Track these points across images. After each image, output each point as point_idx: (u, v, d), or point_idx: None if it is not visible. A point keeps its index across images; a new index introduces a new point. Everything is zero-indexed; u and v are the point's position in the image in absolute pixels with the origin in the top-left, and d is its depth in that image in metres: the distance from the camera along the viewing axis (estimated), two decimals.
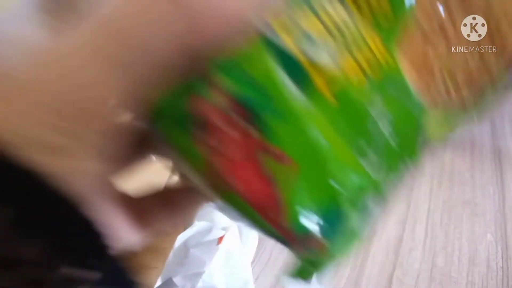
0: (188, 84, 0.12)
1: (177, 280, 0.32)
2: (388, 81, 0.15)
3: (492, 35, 0.18)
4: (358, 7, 0.14)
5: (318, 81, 0.13)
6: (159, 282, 0.30)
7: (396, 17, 0.15)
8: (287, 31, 0.12)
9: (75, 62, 0.09)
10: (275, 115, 0.13)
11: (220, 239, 0.34)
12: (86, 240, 0.09)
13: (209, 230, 0.33)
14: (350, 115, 0.14)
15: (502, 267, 0.36)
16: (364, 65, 0.14)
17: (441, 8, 0.16)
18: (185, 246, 0.33)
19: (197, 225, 0.33)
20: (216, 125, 0.12)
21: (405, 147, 0.16)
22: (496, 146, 0.50)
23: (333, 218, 0.14)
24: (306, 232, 0.13)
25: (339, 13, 0.13)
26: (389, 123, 0.15)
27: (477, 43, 0.18)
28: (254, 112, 0.13)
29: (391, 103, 0.15)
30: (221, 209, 0.16)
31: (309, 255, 0.14)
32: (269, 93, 0.12)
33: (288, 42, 0.12)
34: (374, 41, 0.14)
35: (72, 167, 0.09)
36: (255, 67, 0.12)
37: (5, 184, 0.08)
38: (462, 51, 0.17)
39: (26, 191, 0.08)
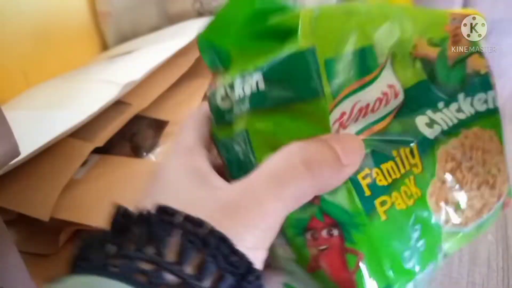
0: (308, 208, 0.21)
1: None
2: (418, 207, 0.23)
3: (487, 178, 0.28)
4: (403, 164, 0.23)
5: (379, 206, 0.22)
6: None
7: (424, 172, 0.24)
8: (361, 175, 0.21)
9: (262, 200, 0.17)
10: (355, 229, 0.21)
11: None
12: None
13: None
14: (395, 227, 0.22)
15: (503, 268, 0.36)
16: (404, 197, 0.23)
17: (451, 165, 0.26)
18: None
19: None
20: (320, 233, 0.22)
21: (430, 253, 0.24)
22: None
23: None
24: None
25: (392, 167, 0.23)
26: (419, 235, 0.23)
27: (478, 187, 0.27)
28: (344, 227, 0.21)
29: (420, 222, 0.23)
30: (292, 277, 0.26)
31: None
32: (353, 217, 0.21)
33: (361, 181, 0.22)
34: (410, 182, 0.23)
35: (260, 256, 0.18)
36: (347, 201, 0.21)
37: (230, 261, 0.16)
38: (469, 193, 0.26)
39: (236, 266, 0.16)
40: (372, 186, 0.21)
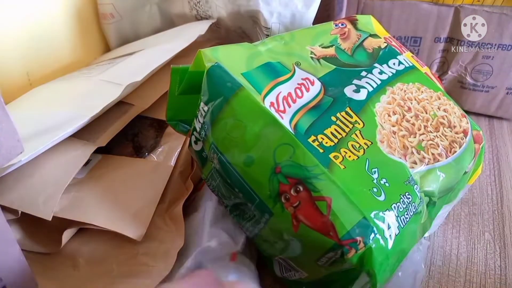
0: (274, 179, 0.26)
1: None
2: (370, 155, 0.28)
3: (439, 120, 0.33)
4: (345, 124, 0.30)
5: (334, 159, 0.27)
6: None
7: (367, 125, 0.31)
8: (310, 140, 0.28)
9: None
10: (315, 179, 0.26)
11: (234, 255, 0.32)
12: None
13: (225, 244, 0.32)
14: (353, 173, 0.27)
15: (500, 266, 0.36)
16: (352, 150, 0.28)
17: (395, 117, 0.32)
18: (196, 256, 0.32)
19: (216, 238, 0.32)
20: (290, 193, 0.26)
21: (398, 187, 0.28)
22: (495, 146, 0.50)
23: (364, 225, 0.25)
24: (350, 236, 0.25)
25: (335, 129, 0.29)
26: (379, 175, 0.28)
27: (436, 129, 0.33)
28: (306, 181, 0.26)
29: (376, 166, 0.28)
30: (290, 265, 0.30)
31: (356, 253, 0.25)
32: (312, 170, 0.26)
33: (312, 143, 0.28)
34: (357, 137, 0.29)
35: None
36: (304, 159, 0.26)
37: None
38: (426, 135, 0.32)
39: None
40: (322, 146, 0.28)
